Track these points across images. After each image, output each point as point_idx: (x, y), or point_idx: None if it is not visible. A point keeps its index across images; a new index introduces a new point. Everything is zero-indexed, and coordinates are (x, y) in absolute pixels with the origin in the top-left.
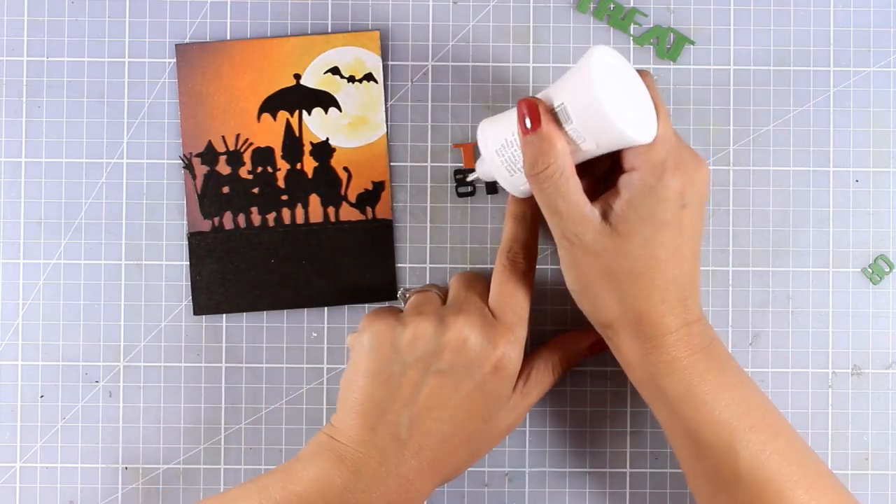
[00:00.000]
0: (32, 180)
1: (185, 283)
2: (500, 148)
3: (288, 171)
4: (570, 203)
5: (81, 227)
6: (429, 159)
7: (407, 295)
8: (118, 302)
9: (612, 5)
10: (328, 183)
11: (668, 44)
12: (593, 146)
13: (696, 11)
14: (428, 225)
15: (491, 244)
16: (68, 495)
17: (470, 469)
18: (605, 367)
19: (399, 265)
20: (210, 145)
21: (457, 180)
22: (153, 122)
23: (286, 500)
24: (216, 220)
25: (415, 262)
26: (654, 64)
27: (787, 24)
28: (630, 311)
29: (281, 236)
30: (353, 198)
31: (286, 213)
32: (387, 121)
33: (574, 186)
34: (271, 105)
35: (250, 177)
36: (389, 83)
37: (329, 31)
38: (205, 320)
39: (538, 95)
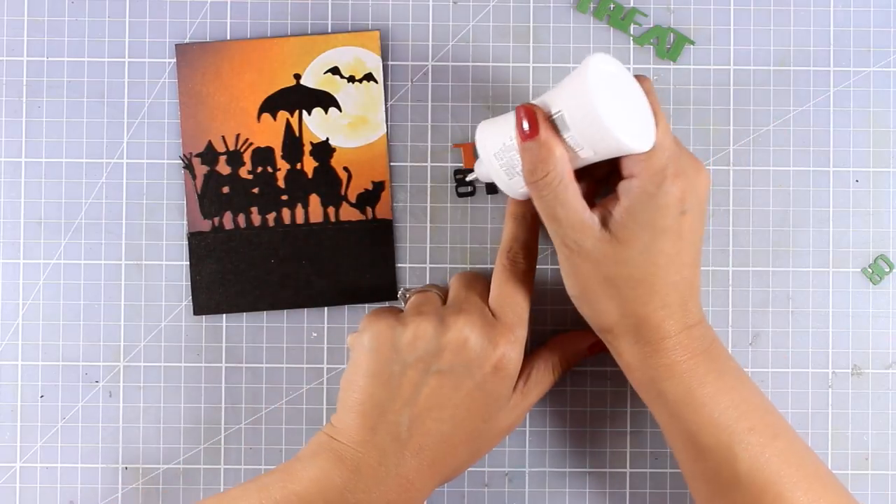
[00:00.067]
0: (32, 180)
1: (185, 283)
2: (498, 151)
3: (288, 171)
4: (570, 210)
5: (81, 227)
6: (429, 159)
7: (407, 295)
8: (118, 302)
9: (612, 5)
10: (328, 183)
11: (668, 44)
12: (591, 154)
13: (696, 11)
14: (428, 225)
15: (491, 244)
16: (68, 495)
17: (470, 469)
18: (605, 367)
19: (399, 265)
20: (210, 145)
21: (457, 180)
22: (153, 122)
23: (286, 499)
24: (216, 220)
25: (415, 262)
26: (654, 64)
27: (787, 24)
28: (630, 317)
29: (281, 236)
30: (353, 198)
31: (286, 213)
32: (387, 121)
33: (573, 193)
34: (271, 105)
35: (250, 177)
36: (389, 83)
37: (329, 31)
38: (205, 320)
39: (536, 101)
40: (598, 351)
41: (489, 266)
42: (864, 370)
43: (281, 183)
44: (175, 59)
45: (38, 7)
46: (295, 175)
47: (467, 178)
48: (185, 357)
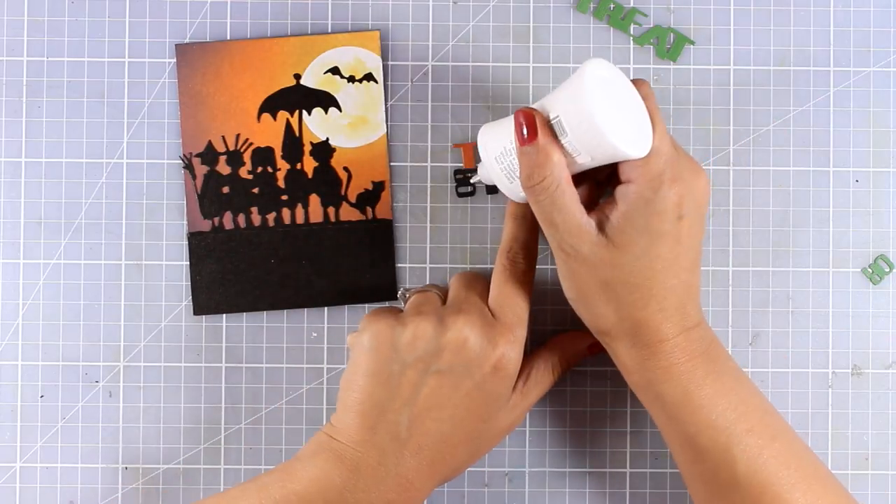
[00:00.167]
0: (32, 180)
1: (185, 283)
2: (499, 155)
3: (288, 171)
4: (567, 215)
5: (81, 227)
6: (429, 159)
7: (407, 295)
8: (118, 302)
9: (612, 5)
10: (328, 183)
11: (668, 44)
12: (588, 159)
13: (696, 11)
14: (428, 225)
15: (491, 244)
16: (68, 495)
17: (470, 469)
18: (605, 367)
19: (399, 265)
20: (210, 145)
21: (457, 180)
22: (153, 122)
23: (286, 499)
24: (216, 220)
25: (415, 262)
26: (654, 64)
27: (787, 24)
28: (627, 320)
29: (281, 236)
30: (353, 198)
31: (286, 213)
32: (387, 121)
33: (570, 198)
34: (271, 105)
35: (250, 177)
36: (389, 83)
37: (329, 31)
38: (205, 320)
39: (535, 105)
40: (598, 351)
41: (489, 266)
42: (864, 370)
43: (281, 183)
44: (175, 59)
45: (38, 7)
46: (295, 175)
47: (471, 180)
48: (185, 357)
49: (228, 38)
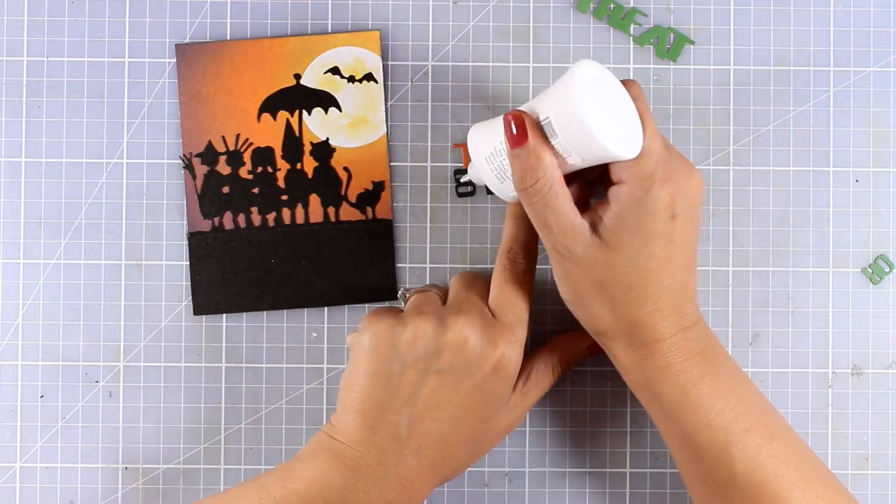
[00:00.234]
0: (32, 180)
1: (185, 283)
2: (489, 156)
3: (288, 171)
4: (560, 216)
5: (81, 227)
6: (429, 159)
7: (407, 295)
8: (118, 302)
9: (612, 5)
10: (328, 183)
11: (668, 44)
12: (579, 160)
13: (696, 11)
14: (428, 225)
15: (491, 244)
16: (68, 495)
17: (470, 469)
18: (605, 367)
19: (399, 265)
20: (210, 145)
21: (457, 180)
22: (153, 122)
23: (286, 499)
24: (216, 220)
25: (415, 262)
26: (654, 64)
27: (787, 24)
28: (623, 320)
29: (281, 236)
30: (353, 198)
31: (286, 213)
32: (387, 121)
33: (563, 200)
34: (271, 105)
35: (250, 177)
36: (389, 83)
37: (329, 31)
38: (205, 320)
39: (523, 107)
40: (598, 351)
41: (489, 266)
42: (864, 370)
43: (281, 183)
44: (175, 59)
45: (38, 7)
46: (295, 175)
47: (461, 180)
48: (185, 357)
49: (228, 38)
